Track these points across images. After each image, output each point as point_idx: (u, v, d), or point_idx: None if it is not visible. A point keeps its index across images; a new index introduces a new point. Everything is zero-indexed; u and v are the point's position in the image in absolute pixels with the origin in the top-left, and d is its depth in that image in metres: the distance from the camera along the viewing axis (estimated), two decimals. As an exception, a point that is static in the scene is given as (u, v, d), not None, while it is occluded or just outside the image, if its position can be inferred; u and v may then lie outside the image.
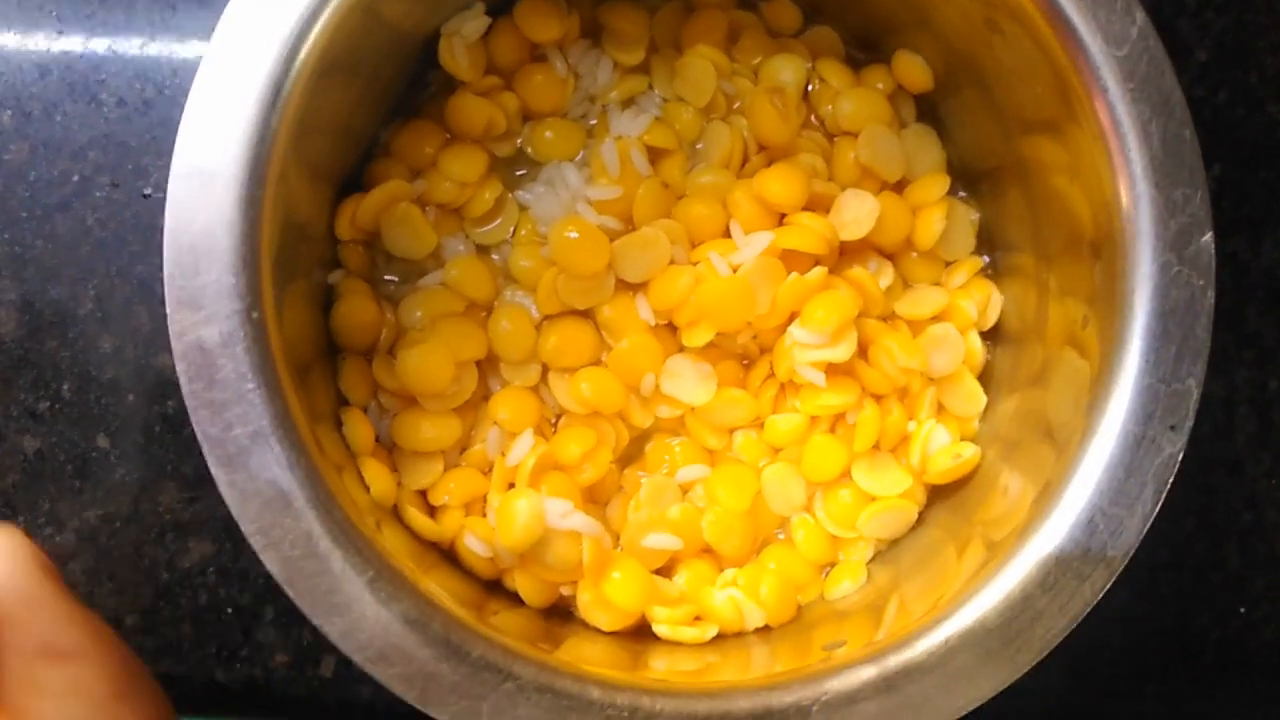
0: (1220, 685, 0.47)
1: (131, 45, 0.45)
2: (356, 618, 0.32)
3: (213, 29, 0.45)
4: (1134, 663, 0.47)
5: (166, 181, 0.44)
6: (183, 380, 0.32)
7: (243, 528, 0.32)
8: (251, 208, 0.33)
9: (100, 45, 0.45)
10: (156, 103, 0.45)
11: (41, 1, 0.45)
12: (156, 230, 0.44)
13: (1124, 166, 0.35)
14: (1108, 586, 0.34)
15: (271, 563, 0.32)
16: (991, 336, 0.44)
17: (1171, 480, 0.35)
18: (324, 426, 0.37)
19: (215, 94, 0.33)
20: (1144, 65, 0.36)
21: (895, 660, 0.34)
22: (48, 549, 0.42)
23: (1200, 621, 0.47)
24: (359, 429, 0.38)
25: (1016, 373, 0.42)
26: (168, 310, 0.32)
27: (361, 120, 0.41)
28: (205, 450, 0.32)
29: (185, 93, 0.44)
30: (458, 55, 0.41)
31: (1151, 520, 0.34)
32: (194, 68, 0.44)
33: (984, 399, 0.43)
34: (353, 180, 0.42)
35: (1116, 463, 0.35)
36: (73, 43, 0.45)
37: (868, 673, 0.34)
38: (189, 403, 0.32)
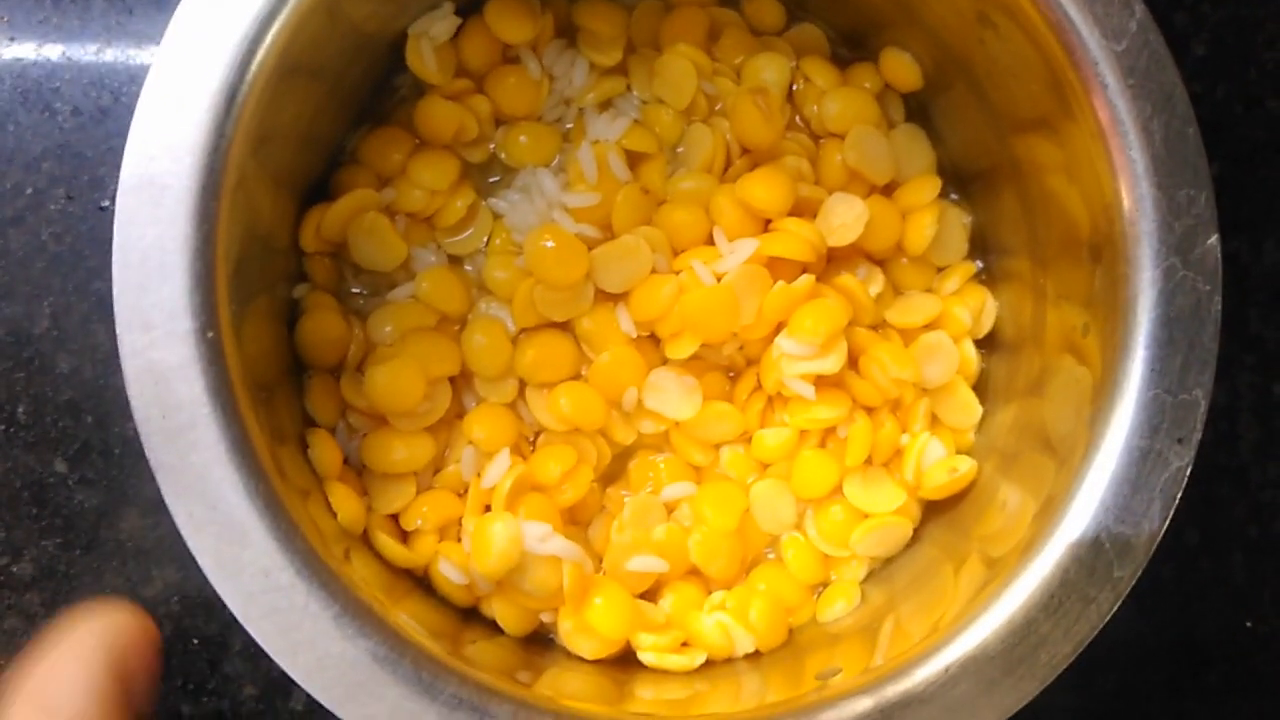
0: (1227, 700, 0.46)
1: (86, 51, 0.44)
2: (322, 655, 0.30)
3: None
4: (1139, 678, 0.46)
5: (124, 194, 0.43)
6: (135, 405, 0.30)
7: (200, 561, 0.30)
8: (205, 221, 0.31)
9: (54, 52, 0.44)
10: (113, 111, 0.43)
11: (-8, 9, 0.44)
12: (114, 244, 0.43)
13: (1125, 166, 0.34)
14: (1115, 609, 0.33)
15: (231, 597, 0.30)
16: (986, 344, 0.43)
17: (1180, 495, 0.33)
18: (289, 449, 0.35)
19: (165, 100, 0.31)
20: (1144, 60, 0.34)
21: (893, 690, 0.32)
22: (4, 579, 0.42)
23: (1206, 636, 0.46)
24: (325, 451, 0.37)
25: (1013, 382, 0.41)
26: (118, 331, 0.30)
27: (326, 127, 0.40)
28: (159, 479, 0.30)
29: (142, 99, 0.44)
30: (426, 58, 0.39)
31: (1160, 538, 0.33)
32: (151, 73, 0.44)
33: (980, 410, 0.41)
34: (318, 189, 0.40)
35: (1122, 478, 0.33)
36: (25, 49, 0.44)
37: (864, 704, 0.32)
38: (141, 429, 0.30)
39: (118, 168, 0.42)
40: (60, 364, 0.43)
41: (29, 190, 0.43)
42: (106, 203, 0.43)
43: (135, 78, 0.43)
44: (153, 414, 0.30)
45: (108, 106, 0.43)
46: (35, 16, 0.44)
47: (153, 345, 0.30)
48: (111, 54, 0.44)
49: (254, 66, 0.32)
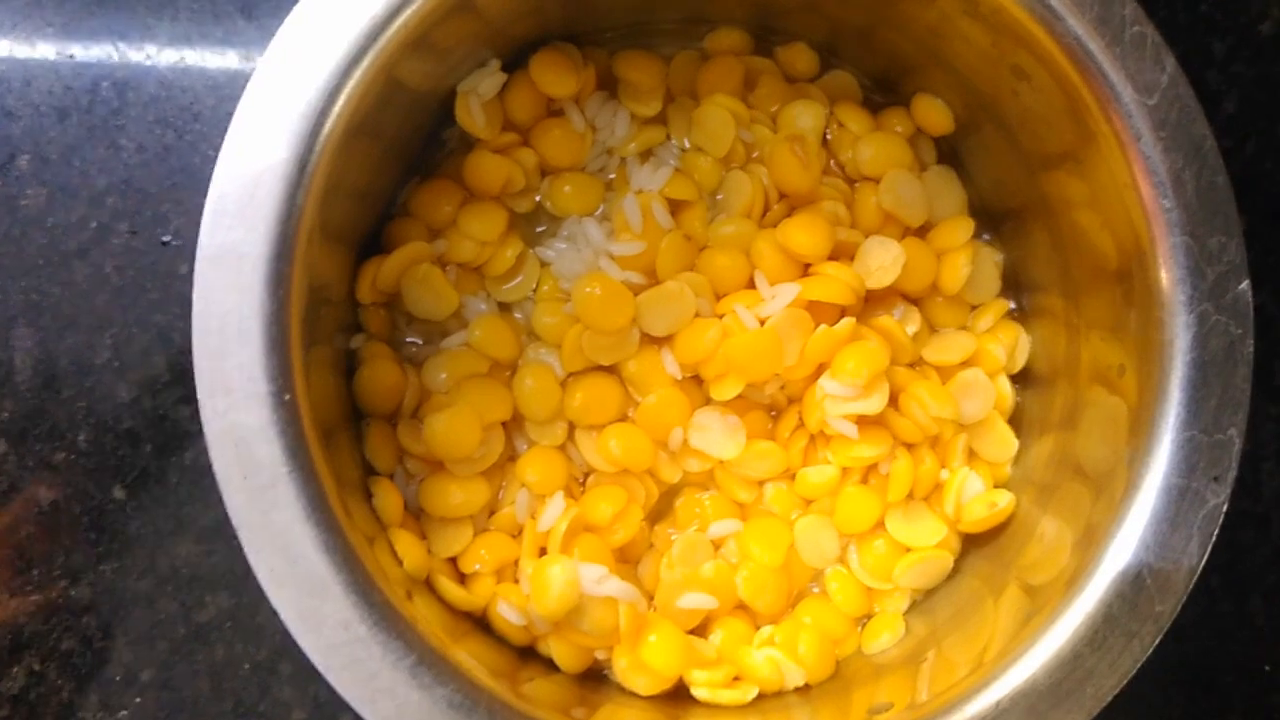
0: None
1: (151, 89, 0.44)
2: (400, 703, 0.31)
3: (233, 71, 0.45)
4: (1161, 717, 0.46)
5: (186, 229, 0.44)
6: (216, 466, 0.31)
7: (281, 614, 0.31)
8: (280, 286, 0.32)
9: (119, 89, 0.44)
10: (176, 148, 0.44)
11: (62, 45, 0.44)
12: (175, 278, 0.44)
13: (1158, 215, 0.35)
14: (1156, 642, 0.34)
15: (312, 650, 0.31)
16: (1020, 379, 0.43)
17: (1216, 532, 0.34)
18: (351, 495, 0.36)
19: (240, 173, 0.32)
20: (1175, 113, 0.35)
21: (947, 725, 0.33)
22: (62, 602, 0.43)
23: (1225, 679, 0.46)
24: (389, 500, 0.37)
25: (1048, 415, 0.42)
26: (199, 396, 0.31)
27: (379, 182, 0.40)
28: (242, 537, 0.31)
29: (205, 138, 0.44)
30: (474, 113, 0.40)
31: (1198, 574, 0.34)
32: (214, 112, 0.45)
33: (1016, 444, 0.42)
34: (371, 241, 0.41)
35: (1161, 516, 0.34)
36: (91, 86, 0.44)
37: (919, 739, 0.33)
38: (223, 488, 0.31)
39: (180, 203, 0.44)
40: (120, 393, 0.43)
41: (93, 224, 0.44)
42: (169, 238, 0.44)
43: (199, 116, 0.44)
44: (234, 474, 0.31)
45: (171, 144, 0.44)
46: (102, 55, 0.44)
47: (233, 408, 0.31)
48: (174, 93, 0.44)
49: (322, 136, 0.33)
